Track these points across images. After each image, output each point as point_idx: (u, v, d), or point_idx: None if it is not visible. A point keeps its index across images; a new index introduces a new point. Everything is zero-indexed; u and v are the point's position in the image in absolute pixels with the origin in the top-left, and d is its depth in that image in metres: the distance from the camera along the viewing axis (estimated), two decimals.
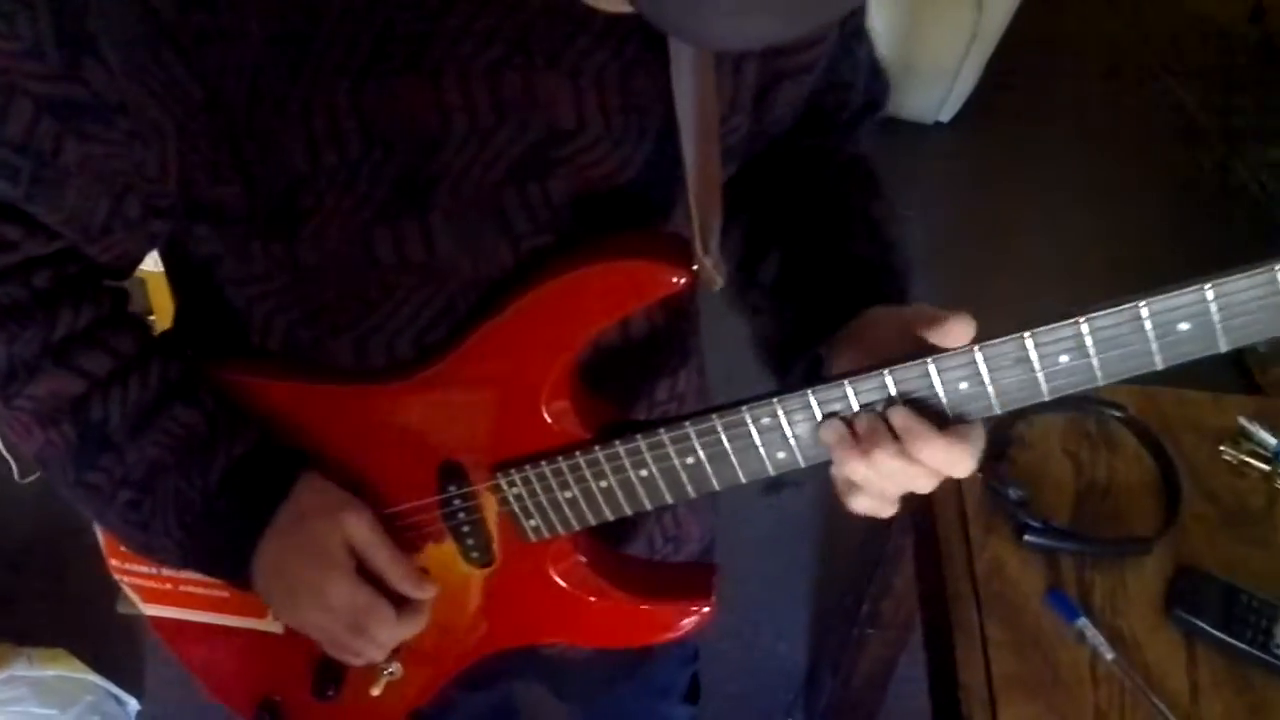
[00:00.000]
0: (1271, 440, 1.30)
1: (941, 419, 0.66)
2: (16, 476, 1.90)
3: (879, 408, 0.67)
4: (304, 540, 0.77)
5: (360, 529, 0.78)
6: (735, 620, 2.04)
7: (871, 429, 0.66)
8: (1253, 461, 1.28)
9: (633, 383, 0.85)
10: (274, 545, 0.78)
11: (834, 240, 0.84)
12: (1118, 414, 1.33)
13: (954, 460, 0.66)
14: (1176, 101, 3.36)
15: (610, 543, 0.88)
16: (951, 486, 1.60)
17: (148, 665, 1.67)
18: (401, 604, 0.80)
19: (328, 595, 0.78)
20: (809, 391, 0.69)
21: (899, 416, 0.66)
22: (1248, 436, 1.31)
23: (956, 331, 0.64)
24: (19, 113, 0.63)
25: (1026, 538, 1.18)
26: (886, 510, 0.71)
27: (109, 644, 0.93)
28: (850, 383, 0.67)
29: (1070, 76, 3.49)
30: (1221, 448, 1.30)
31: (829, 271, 0.81)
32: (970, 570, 1.17)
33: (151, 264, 0.82)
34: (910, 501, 1.82)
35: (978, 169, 3.11)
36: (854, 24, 0.84)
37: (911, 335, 0.66)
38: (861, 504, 0.71)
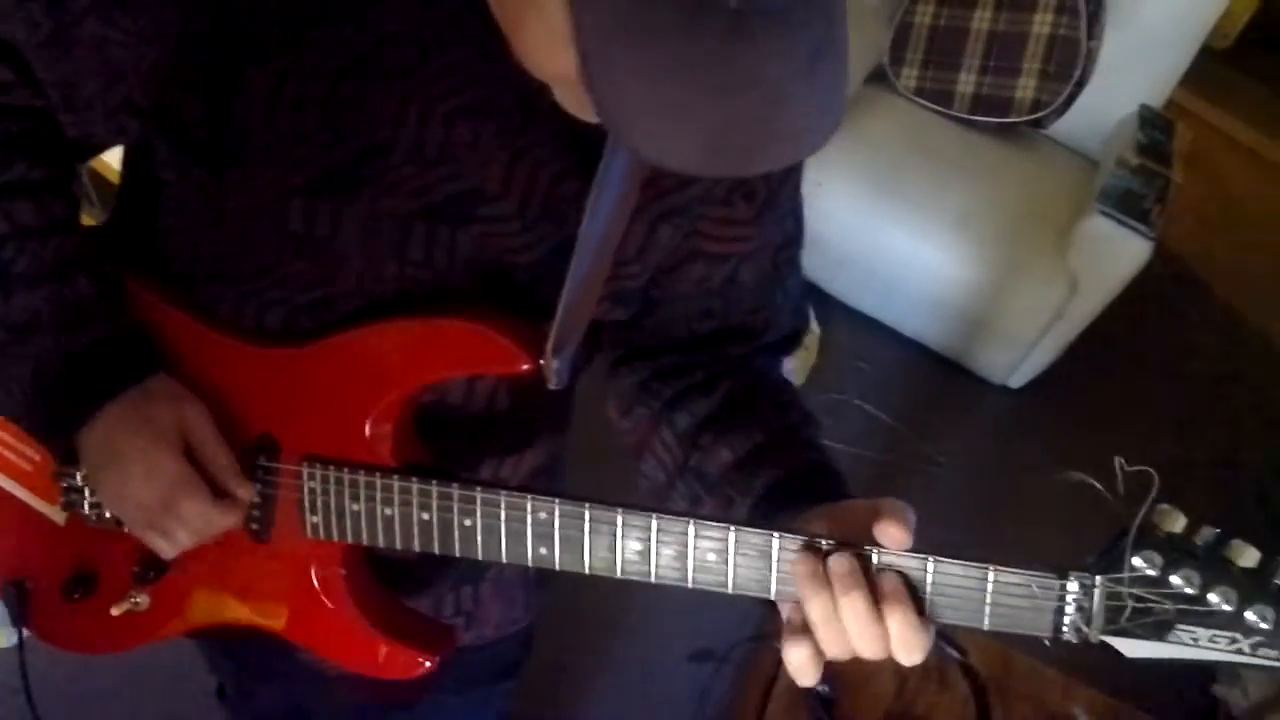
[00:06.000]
0: None
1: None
2: None
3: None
4: (143, 415, 0.83)
5: (198, 418, 0.84)
6: None
7: (851, 572, 0.69)
8: None
9: (460, 447, 0.91)
10: (113, 414, 0.83)
11: (783, 448, 0.86)
12: (957, 657, 1.33)
13: (913, 640, 0.69)
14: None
15: (394, 584, 0.93)
16: (772, 661, 1.56)
17: None
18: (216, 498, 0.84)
19: (152, 465, 0.82)
20: (587, 506, 0.77)
21: (889, 580, 0.70)
22: None
23: (892, 530, 0.68)
24: None
25: None
26: (815, 669, 0.72)
27: None
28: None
29: (1149, 378, 3.29)
30: None
31: (787, 473, 0.84)
32: None
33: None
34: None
35: (1025, 439, 2.96)
36: (789, 254, 0.91)
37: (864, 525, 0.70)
38: (799, 654, 0.71)
